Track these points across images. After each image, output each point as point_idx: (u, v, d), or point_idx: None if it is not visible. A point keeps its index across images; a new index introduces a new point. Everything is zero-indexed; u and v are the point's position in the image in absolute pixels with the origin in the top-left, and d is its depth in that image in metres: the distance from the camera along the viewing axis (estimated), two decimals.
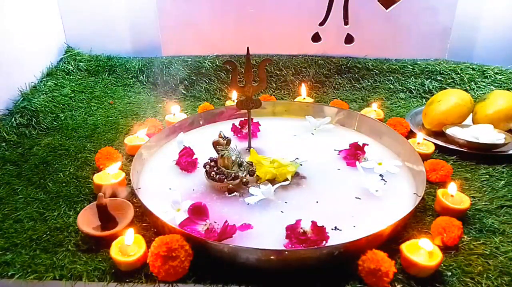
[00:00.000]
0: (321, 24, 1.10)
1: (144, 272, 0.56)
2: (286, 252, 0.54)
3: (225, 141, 0.71)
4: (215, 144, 0.71)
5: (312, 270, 0.57)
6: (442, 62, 1.13)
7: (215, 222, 0.62)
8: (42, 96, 1.01)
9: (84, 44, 1.19)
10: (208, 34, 1.13)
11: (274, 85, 1.13)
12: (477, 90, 1.10)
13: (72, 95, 1.07)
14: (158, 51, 1.17)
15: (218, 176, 0.70)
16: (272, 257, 0.55)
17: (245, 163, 0.73)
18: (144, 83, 1.15)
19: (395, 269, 0.54)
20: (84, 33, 1.18)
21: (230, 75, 1.03)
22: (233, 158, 0.72)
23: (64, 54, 1.16)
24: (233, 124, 0.91)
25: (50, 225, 0.65)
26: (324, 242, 0.58)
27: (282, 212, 0.67)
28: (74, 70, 1.14)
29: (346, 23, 1.10)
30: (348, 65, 1.13)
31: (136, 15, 1.16)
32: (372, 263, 0.54)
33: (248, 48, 0.74)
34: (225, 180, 0.70)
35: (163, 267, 0.54)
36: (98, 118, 1.01)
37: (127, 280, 0.56)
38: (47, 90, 1.04)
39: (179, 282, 0.55)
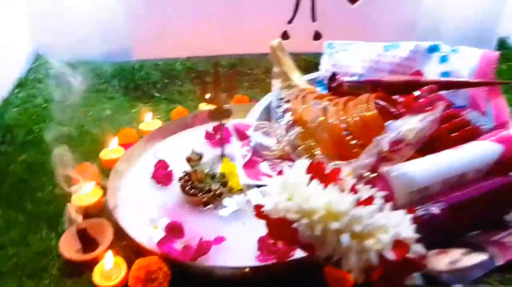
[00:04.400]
0: (289, 22, 1.11)
1: None
2: (247, 269, 0.58)
3: (197, 157, 0.74)
4: (188, 161, 0.74)
5: (284, 279, 0.62)
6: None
7: (191, 239, 0.66)
8: (14, 109, 1.01)
9: (54, 51, 1.18)
10: (178, 36, 1.13)
11: (246, 84, 1.15)
12: None
13: (45, 105, 1.07)
14: (129, 55, 1.17)
15: (192, 190, 0.74)
16: (239, 272, 0.59)
17: (217, 175, 0.76)
18: (117, 87, 1.16)
19: None
20: (53, 40, 1.17)
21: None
22: (206, 171, 0.75)
23: (34, 63, 1.15)
24: (206, 131, 0.93)
25: (33, 250, 0.68)
26: (293, 252, 0.63)
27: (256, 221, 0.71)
28: (45, 79, 1.13)
29: (314, 20, 1.11)
30: (317, 61, 1.15)
31: (105, 19, 1.15)
32: (336, 272, 0.59)
33: (215, 63, 0.76)
34: (199, 194, 0.73)
35: None
36: (73, 128, 1.02)
37: None
38: (19, 102, 1.04)
39: None
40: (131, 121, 1.04)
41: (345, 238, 0.34)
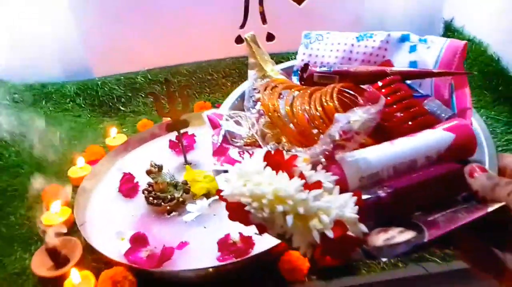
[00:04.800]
0: (242, 26, 1.15)
1: None
2: (210, 270, 0.63)
3: (156, 169, 0.78)
4: (148, 173, 0.78)
5: (244, 275, 0.67)
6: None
7: (155, 247, 0.70)
8: None
9: (16, 75, 1.20)
10: (136, 49, 1.16)
11: (208, 89, 1.19)
12: None
13: (13, 130, 1.10)
14: (90, 73, 1.20)
15: (156, 200, 0.78)
16: (203, 273, 0.64)
17: (180, 183, 0.81)
18: (83, 105, 1.19)
19: (309, 264, 0.65)
20: (14, 64, 1.19)
21: (164, 88, 1.08)
22: (168, 180, 0.80)
23: None
24: (170, 140, 0.97)
25: (9, 270, 0.72)
26: (251, 249, 0.68)
27: (216, 224, 0.76)
28: (11, 104, 1.16)
29: (264, 22, 1.15)
30: (273, 60, 1.20)
31: (62, 41, 1.17)
32: (289, 263, 0.65)
33: (166, 79, 0.80)
34: (162, 203, 0.78)
35: None
36: (42, 150, 1.05)
37: None
38: None
39: None
40: (98, 137, 1.08)
41: (289, 219, 0.38)
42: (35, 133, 1.10)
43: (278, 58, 1.22)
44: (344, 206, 0.40)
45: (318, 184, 0.43)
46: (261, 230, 0.41)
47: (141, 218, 0.79)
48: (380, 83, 0.57)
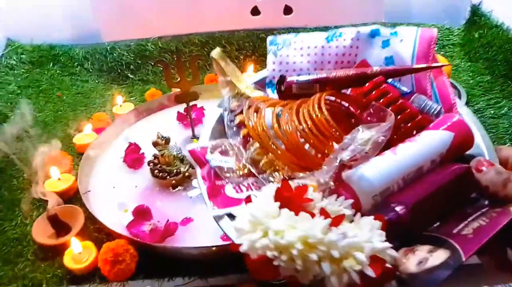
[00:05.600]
0: None
1: (97, 274, 0.63)
2: (214, 248, 0.61)
3: (163, 141, 0.76)
4: (155, 145, 0.76)
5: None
6: (379, 25, 1.16)
7: (158, 221, 0.68)
8: None
9: (25, 35, 1.17)
10: (147, 16, 1.12)
11: None
12: None
13: (19, 91, 1.08)
14: (99, 37, 1.16)
15: (161, 173, 0.76)
16: (206, 251, 0.62)
17: (186, 157, 0.79)
18: (90, 70, 1.16)
19: None
20: (23, 24, 1.15)
21: (174, 57, 1.04)
22: (174, 153, 0.77)
23: (6, 49, 1.14)
24: (178, 112, 0.95)
25: (9, 235, 0.71)
26: None
27: None
28: (18, 64, 1.13)
29: None
30: None
31: (71, 3, 1.13)
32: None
33: (176, 47, 0.77)
34: (168, 177, 0.76)
35: (113, 270, 0.61)
36: (48, 114, 1.03)
37: (82, 283, 0.63)
38: None
39: (130, 280, 0.63)
40: (105, 104, 1.05)
41: (325, 267, 0.35)
42: (41, 97, 1.08)
43: (294, 32, 1.18)
44: (372, 235, 0.38)
45: (340, 218, 0.39)
46: (293, 283, 0.37)
47: (145, 191, 0.77)
48: (367, 86, 0.53)
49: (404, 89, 0.53)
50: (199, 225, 0.69)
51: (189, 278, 0.62)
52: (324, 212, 0.38)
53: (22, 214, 0.74)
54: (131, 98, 1.07)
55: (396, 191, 0.44)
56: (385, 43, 0.56)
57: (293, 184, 0.42)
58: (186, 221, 0.69)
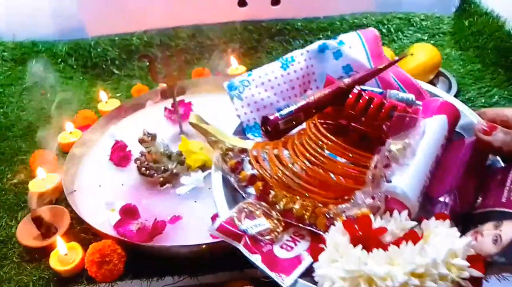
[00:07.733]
0: None
1: (85, 275, 0.62)
2: (204, 246, 0.60)
3: (149, 138, 0.74)
4: (141, 142, 0.74)
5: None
6: (369, 15, 1.15)
7: (146, 220, 0.67)
8: None
9: (6, 31, 1.14)
10: (132, 9, 1.09)
11: (207, 55, 1.13)
12: (403, 39, 1.14)
13: (1, 89, 1.05)
14: (83, 32, 1.13)
15: (148, 171, 0.74)
16: (196, 249, 0.61)
17: (174, 154, 0.77)
18: (74, 67, 1.13)
19: None
20: (4, 20, 1.12)
21: (159, 52, 1.02)
22: (161, 150, 0.76)
23: None
24: (166, 108, 0.92)
25: None
26: None
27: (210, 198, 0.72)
28: (0, 62, 1.10)
29: None
30: (277, 27, 1.14)
31: None
32: None
33: (161, 40, 0.75)
34: (155, 174, 0.74)
35: (100, 271, 0.60)
36: (31, 113, 1.00)
37: (70, 285, 0.61)
38: None
39: (118, 280, 0.62)
40: (91, 101, 1.03)
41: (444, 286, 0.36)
42: (24, 95, 1.05)
43: (283, 24, 1.17)
44: (453, 239, 0.38)
45: (414, 233, 0.40)
46: None
47: (132, 189, 0.75)
48: (351, 98, 0.53)
49: (377, 90, 0.54)
50: (188, 223, 0.68)
51: (178, 277, 0.61)
52: (412, 235, 0.39)
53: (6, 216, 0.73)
54: (117, 94, 1.05)
55: (428, 185, 0.46)
56: (337, 54, 0.58)
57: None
58: (175, 219, 0.68)
